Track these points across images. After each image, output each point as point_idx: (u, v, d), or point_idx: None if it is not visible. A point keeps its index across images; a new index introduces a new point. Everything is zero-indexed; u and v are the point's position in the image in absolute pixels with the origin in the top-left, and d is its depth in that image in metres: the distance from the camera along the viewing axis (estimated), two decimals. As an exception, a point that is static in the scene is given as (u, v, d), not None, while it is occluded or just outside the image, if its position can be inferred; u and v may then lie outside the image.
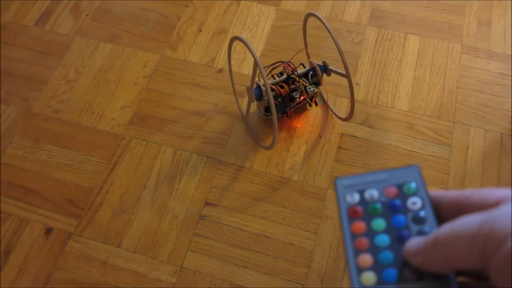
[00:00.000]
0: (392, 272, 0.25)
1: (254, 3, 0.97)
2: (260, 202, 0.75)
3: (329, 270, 0.69)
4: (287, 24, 0.94)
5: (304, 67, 0.77)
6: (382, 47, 0.91)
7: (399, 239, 0.26)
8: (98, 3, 0.99)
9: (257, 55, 0.90)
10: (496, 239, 0.20)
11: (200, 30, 0.94)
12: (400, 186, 0.28)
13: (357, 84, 0.86)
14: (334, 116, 0.82)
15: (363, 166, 0.78)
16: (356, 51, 0.90)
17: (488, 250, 0.21)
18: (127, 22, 0.95)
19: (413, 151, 0.79)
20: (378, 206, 0.27)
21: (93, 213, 0.75)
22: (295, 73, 0.74)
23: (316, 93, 0.76)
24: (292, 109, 0.78)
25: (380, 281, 0.25)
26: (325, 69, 0.75)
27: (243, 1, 0.98)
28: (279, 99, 0.74)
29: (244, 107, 0.83)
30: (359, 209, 0.27)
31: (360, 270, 0.25)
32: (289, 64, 0.74)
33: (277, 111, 0.76)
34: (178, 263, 0.70)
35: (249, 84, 0.76)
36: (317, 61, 0.76)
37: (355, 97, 0.85)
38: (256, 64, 0.65)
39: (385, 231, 0.26)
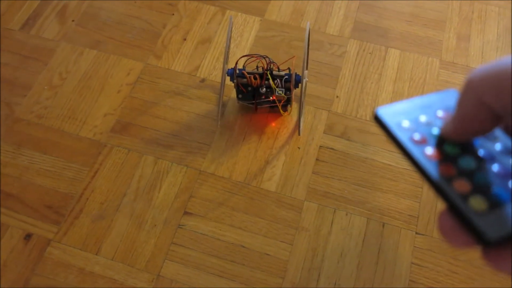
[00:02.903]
0: (501, 191, 0.21)
1: (239, 13, 0.98)
2: (238, 212, 0.76)
3: (303, 281, 0.71)
4: (270, 35, 0.95)
5: (290, 72, 0.79)
6: (363, 60, 0.93)
7: (483, 158, 0.23)
8: (84, 7, 0.99)
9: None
10: None
11: (185, 39, 0.95)
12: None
13: (337, 97, 0.88)
14: (313, 127, 0.84)
15: (340, 179, 0.79)
16: (337, 64, 0.92)
17: None
18: (113, 29, 0.96)
19: (389, 165, 0.81)
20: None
21: (73, 220, 0.76)
22: (269, 70, 0.77)
23: (283, 97, 0.78)
24: (262, 105, 0.81)
25: (494, 202, 0.21)
26: (300, 79, 0.77)
27: (228, 11, 0.99)
28: (249, 88, 0.79)
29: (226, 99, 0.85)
30: (422, 135, 0.24)
31: (464, 196, 0.21)
32: (271, 62, 0.77)
33: (245, 99, 0.81)
34: (155, 272, 0.71)
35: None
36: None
37: (335, 109, 0.87)
38: (230, 23, 0.68)
39: (464, 153, 0.23)
